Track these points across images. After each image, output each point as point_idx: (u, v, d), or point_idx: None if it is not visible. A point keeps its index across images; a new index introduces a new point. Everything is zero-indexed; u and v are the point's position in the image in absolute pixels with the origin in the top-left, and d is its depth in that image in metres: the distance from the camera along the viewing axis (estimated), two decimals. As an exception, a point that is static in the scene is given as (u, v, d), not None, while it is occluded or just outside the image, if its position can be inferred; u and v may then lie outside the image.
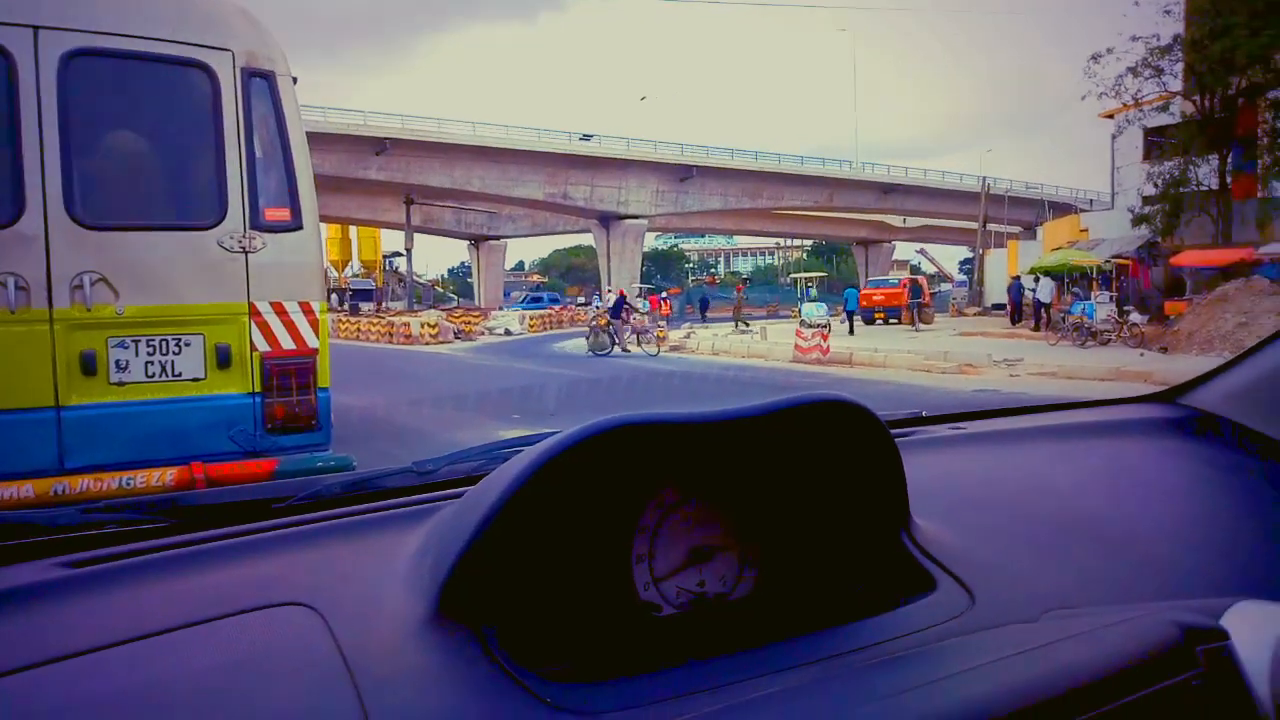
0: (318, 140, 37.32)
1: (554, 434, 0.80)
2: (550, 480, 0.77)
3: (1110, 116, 29.14)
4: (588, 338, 23.93)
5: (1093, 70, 25.06)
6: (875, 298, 35.21)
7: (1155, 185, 25.86)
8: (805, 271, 51.77)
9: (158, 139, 4.31)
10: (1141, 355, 17.09)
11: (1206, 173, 24.85)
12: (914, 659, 0.79)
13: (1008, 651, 0.76)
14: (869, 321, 32.67)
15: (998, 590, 0.92)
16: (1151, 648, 0.75)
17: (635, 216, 53.47)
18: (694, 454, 0.89)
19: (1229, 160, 24.58)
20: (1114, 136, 30.94)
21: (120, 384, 3.89)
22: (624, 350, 23.06)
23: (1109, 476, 1.29)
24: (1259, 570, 1.09)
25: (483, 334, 34.15)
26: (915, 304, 30.14)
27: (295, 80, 4.41)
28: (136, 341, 3.92)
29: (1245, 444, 1.33)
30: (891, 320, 32.67)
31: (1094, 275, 26.98)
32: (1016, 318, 29.24)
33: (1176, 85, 24.95)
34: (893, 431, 1.33)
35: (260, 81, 4.21)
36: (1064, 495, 1.20)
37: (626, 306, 24.73)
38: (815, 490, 0.95)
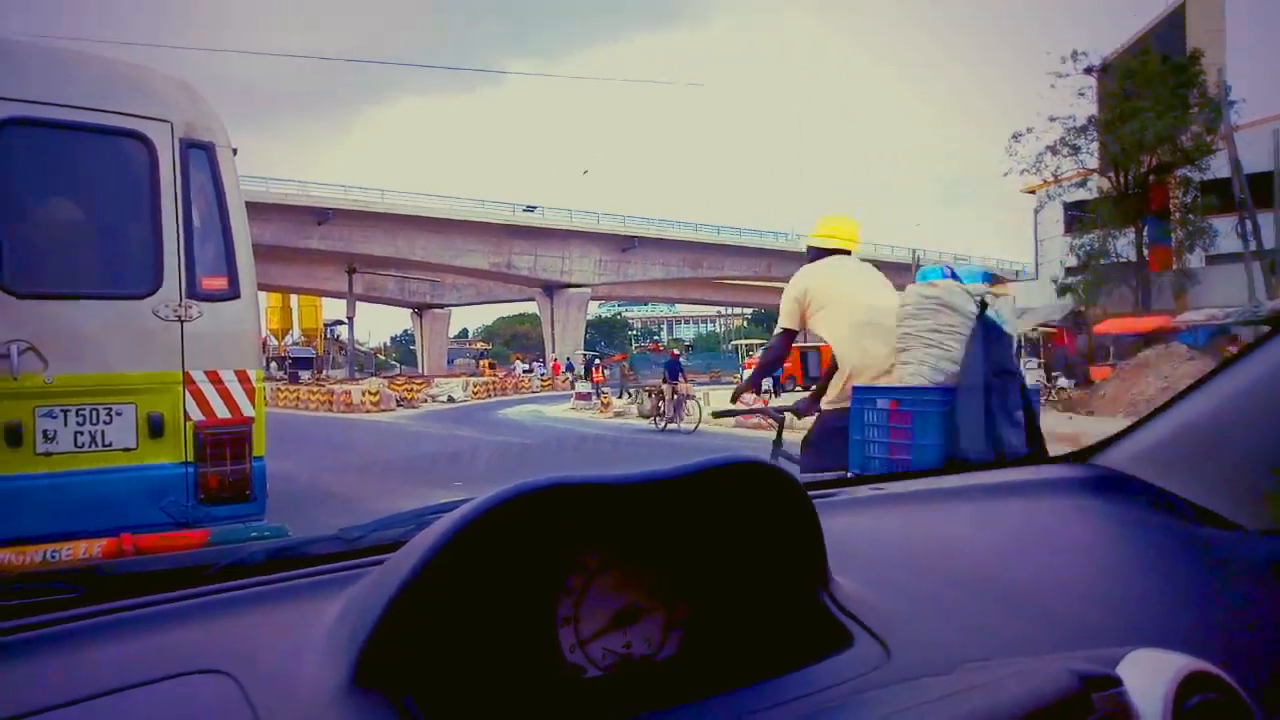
0: (259, 210, 37.17)
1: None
2: (472, 544, 0.78)
3: (1032, 192, 30.39)
4: (636, 405, 20.92)
5: (1014, 148, 26.26)
6: (749, 366, 36.35)
7: (1077, 257, 26.95)
8: (746, 339, 52.40)
9: (94, 208, 4.28)
10: (1070, 419, 17.58)
11: (1125, 245, 25.98)
12: (829, 712, 0.82)
13: (918, 702, 0.80)
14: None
15: (912, 645, 0.95)
16: (1051, 695, 0.79)
17: (579, 285, 53.81)
18: (617, 515, 0.90)
19: (1145, 234, 25.75)
20: (1036, 211, 32.22)
21: (47, 454, 3.79)
22: (668, 424, 19.53)
23: (1022, 535, 1.34)
24: (1159, 621, 1.14)
25: (426, 401, 33.77)
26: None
27: (235, 151, 4.43)
28: (66, 411, 3.83)
29: (1150, 501, 1.39)
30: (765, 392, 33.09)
31: (1021, 343, 27.82)
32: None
33: (1093, 163, 26.19)
34: (818, 492, 1.37)
35: (199, 152, 4.22)
36: (978, 553, 1.24)
37: (682, 371, 21.11)
38: (737, 550, 0.97)
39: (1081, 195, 27.67)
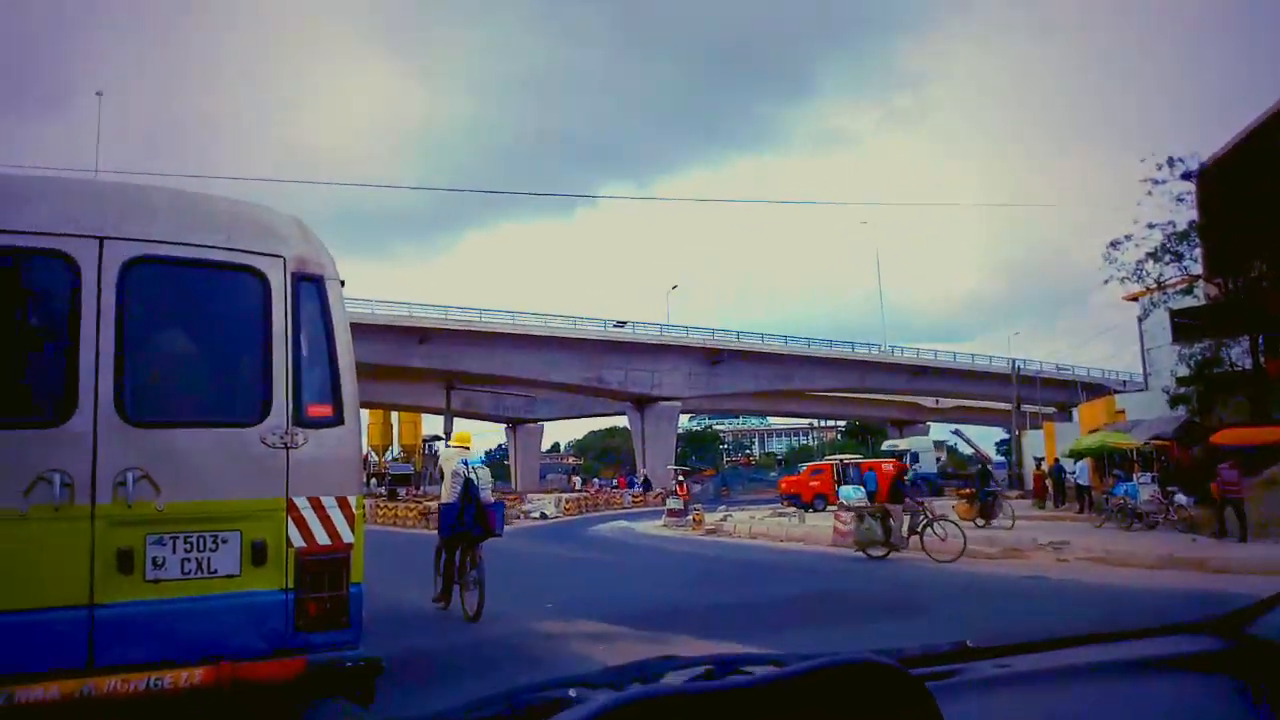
0: (364, 331, 38.66)
1: (576, 695, 0.79)
2: None
3: (1135, 299, 29.49)
4: (855, 528, 16.60)
5: (1113, 255, 25.55)
6: (781, 485, 37.85)
7: (1188, 366, 25.80)
8: (840, 453, 51.29)
9: (210, 339, 4.50)
10: (1193, 541, 16.51)
11: (1239, 353, 24.79)
12: None
13: None
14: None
15: None
16: None
17: (669, 399, 53.96)
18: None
19: (1260, 340, 24.55)
20: (1140, 319, 31.21)
21: (155, 581, 3.88)
22: (890, 553, 15.78)
23: None
24: None
25: (518, 518, 33.86)
26: (987, 493, 23.02)
27: (343, 282, 4.63)
28: (175, 538, 3.94)
29: None
30: (789, 508, 31.48)
31: (1134, 456, 26.54)
32: (1060, 501, 28.64)
33: (1198, 269, 25.30)
34: (936, 669, 1.27)
35: (309, 285, 4.42)
36: None
37: (914, 484, 17.69)
38: None
39: (1188, 302, 26.69)
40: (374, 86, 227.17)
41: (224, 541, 4.03)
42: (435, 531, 10.99)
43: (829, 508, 30.36)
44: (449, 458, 10.73)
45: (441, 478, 10.68)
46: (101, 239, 4.00)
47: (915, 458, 45.38)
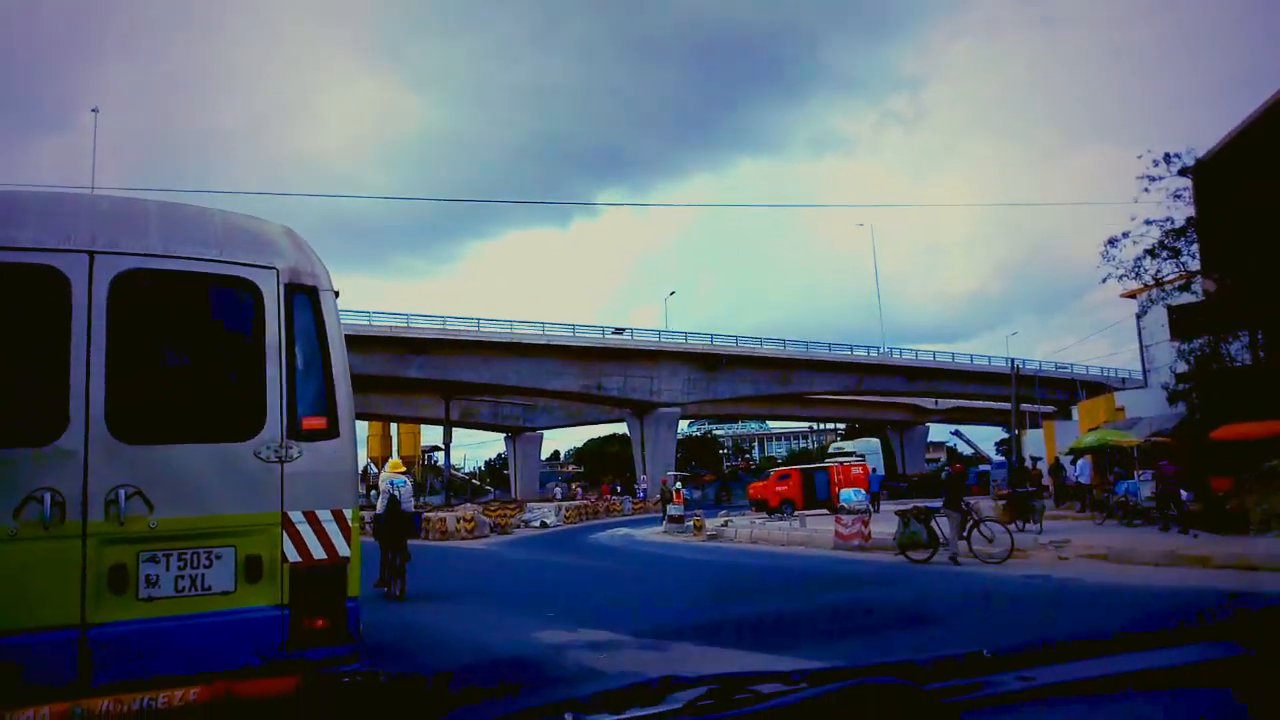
0: (361, 343, 38.63)
1: None
2: None
3: (1133, 296, 29.48)
4: (899, 531, 16.16)
5: (1110, 253, 25.53)
6: (750, 491, 38.87)
7: (1187, 362, 25.79)
8: (841, 456, 51.28)
9: (202, 353, 4.45)
10: (1195, 537, 16.47)
11: (1240, 349, 24.76)
12: None
13: None
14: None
15: None
16: None
17: (668, 405, 53.90)
18: None
19: (1259, 336, 24.53)
20: (1138, 316, 31.21)
21: (149, 599, 3.83)
22: (953, 559, 14.99)
23: None
24: None
25: (519, 527, 33.80)
26: (1022, 492, 22.30)
27: (337, 294, 4.58)
28: (168, 555, 3.89)
29: None
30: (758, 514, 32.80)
31: (1134, 454, 26.50)
32: (1060, 499, 28.60)
33: (1196, 265, 25.27)
34: (954, 682, 1.20)
35: (303, 297, 4.37)
36: None
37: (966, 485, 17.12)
38: None
39: (1186, 299, 26.69)
40: (370, 97, 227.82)
41: (218, 557, 3.98)
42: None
43: (797, 513, 30.46)
44: (384, 479, 14.27)
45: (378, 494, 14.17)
46: (92, 253, 3.96)
47: (863, 459, 47.15)
